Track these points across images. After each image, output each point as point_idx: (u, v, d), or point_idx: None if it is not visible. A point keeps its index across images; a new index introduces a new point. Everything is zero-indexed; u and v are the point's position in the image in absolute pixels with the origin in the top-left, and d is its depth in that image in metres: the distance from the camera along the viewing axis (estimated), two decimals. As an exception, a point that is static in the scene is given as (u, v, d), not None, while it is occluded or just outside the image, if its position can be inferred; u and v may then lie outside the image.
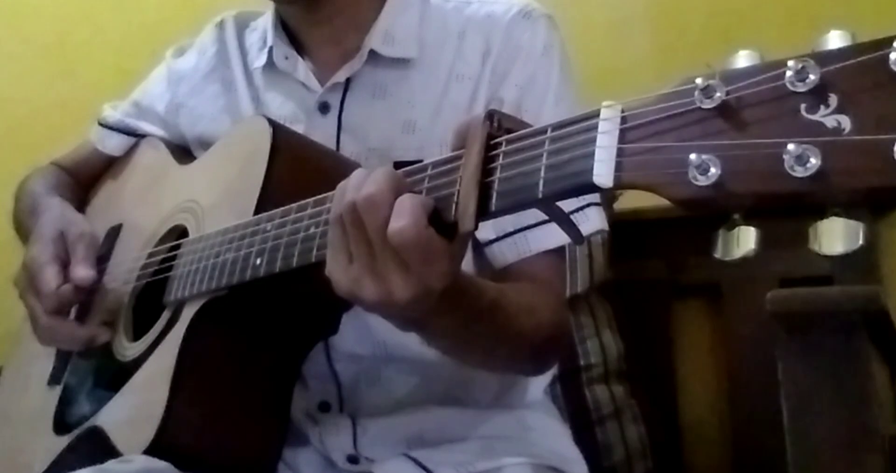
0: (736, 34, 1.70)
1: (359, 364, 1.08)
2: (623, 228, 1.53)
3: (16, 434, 1.21)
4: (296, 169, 1.00)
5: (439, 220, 0.72)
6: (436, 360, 0.99)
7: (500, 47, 1.11)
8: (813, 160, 0.52)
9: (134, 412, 1.00)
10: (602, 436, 1.55)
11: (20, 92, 2.14)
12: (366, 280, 0.74)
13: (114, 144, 1.34)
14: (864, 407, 1.05)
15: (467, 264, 0.99)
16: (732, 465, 1.62)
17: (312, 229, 0.85)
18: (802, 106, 0.54)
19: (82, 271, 1.12)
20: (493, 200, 0.69)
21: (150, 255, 1.13)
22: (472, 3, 1.15)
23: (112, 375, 1.08)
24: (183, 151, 1.26)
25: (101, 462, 0.96)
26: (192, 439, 0.95)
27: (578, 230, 0.73)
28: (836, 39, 0.54)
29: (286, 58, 1.17)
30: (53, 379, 1.20)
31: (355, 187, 0.75)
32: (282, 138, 1.01)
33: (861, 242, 0.53)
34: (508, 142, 0.70)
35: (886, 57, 0.51)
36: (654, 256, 1.70)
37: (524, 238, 1.05)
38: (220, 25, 1.29)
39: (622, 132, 0.62)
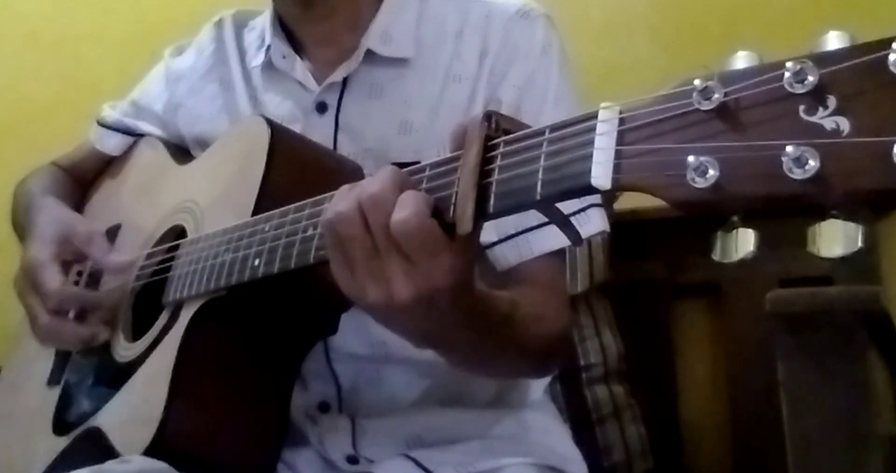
0: (734, 35, 1.70)
1: (358, 364, 1.08)
2: (623, 228, 1.52)
3: (15, 435, 1.21)
4: (294, 169, 1.00)
5: (440, 220, 0.72)
6: (435, 360, 0.98)
7: (497, 47, 1.11)
8: (812, 162, 0.52)
9: (133, 412, 1.00)
10: (602, 436, 1.55)
11: (20, 92, 2.14)
12: (369, 285, 0.74)
13: (112, 144, 1.34)
14: (863, 407, 1.05)
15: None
16: (732, 465, 1.62)
17: (311, 230, 0.85)
18: (801, 108, 0.53)
19: (117, 258, 1.13)
20: (491, 201, 0.69)
21: (149, 255, 1.13)
22: (469, 3, 1.15)
23: (111, 375, 1.07)
24: (181, 151, 1.26)
25: (100, 462, 0.95)
26: (190, 440, 0.95)
27: (577, 232, 0.73)
28: (834, 40, 0.54)
29: (284, 57, 1.17)
30: (53, 380, 1.20)
31: (358, 191, 0.74)
32: (280, 138, 1.01)
33: (860, 244, 0.53)
34: (506, 143, 0.69)
35: (885, 58, 0.51)
36: (654, 256, 1.70)
37: (526, 240, 1.05)
38: (219, 25, 1.29)
39: (620, 134, 0.61)
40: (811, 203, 0.53)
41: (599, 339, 1.60)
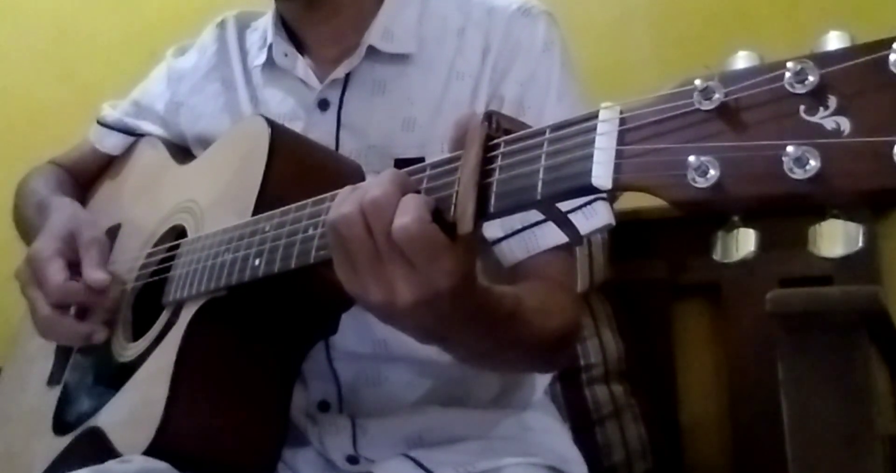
0: (735, 35, 1.69)
1: (359, 364, 1.08)
2: (623, 228, 1.52)
3: (15, 434, 1.21)
4: (294, 169, 1.00)
5: (441, 220, 0.72)
6: (436, 360, 0.99)
7: (499, 45, 1.11)
8: (812, 162, 0.52)
9: (133, 412, 1.00)
10: (602, 436, 1.55)
11: (20, 92, 2.14)
12: (371, 286, 0.74)
13: (113, 144, 1.34)
14: (863, 407, 1.05)
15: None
16: (732, 465, 1.62)
17: (311, 230, 0.85)
18: (802, 108, 0.53)
19: (99, 274, 1.11)
20: (492, 201, 0.69)
21: (149, 255, 1.13)
22: (472, 1, 1.15)
23: (111, 375, 1.07)
24: (182, 151, 1.26)
25: (101, 462, 0.96)
26: (191, 439, 0.95)
27: (577, 231, 0.73)
28: (835, 40, 0.54)
29: (285, 55, 1.17)
30: (53, 379, 1.20)
31: (359, 194, 0.74)
32: (280, 138, 1.01)
33: (861, 244, 0.53)
34: (507, 143, 0.69)
35: (886, 58, 0.51)
36: (654, 256, 1.70)
37: (532, 235, 1.05)
38: (221, 25, 1.29)
39: (621, 134, 0.61)
40: (812, 203, 0.53)
41: (599, 339, 1.60)
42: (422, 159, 0.78)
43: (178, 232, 1.11)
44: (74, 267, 1.13)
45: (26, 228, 1.30)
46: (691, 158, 0.56)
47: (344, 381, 1.08)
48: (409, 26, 1.14)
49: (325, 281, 0.79)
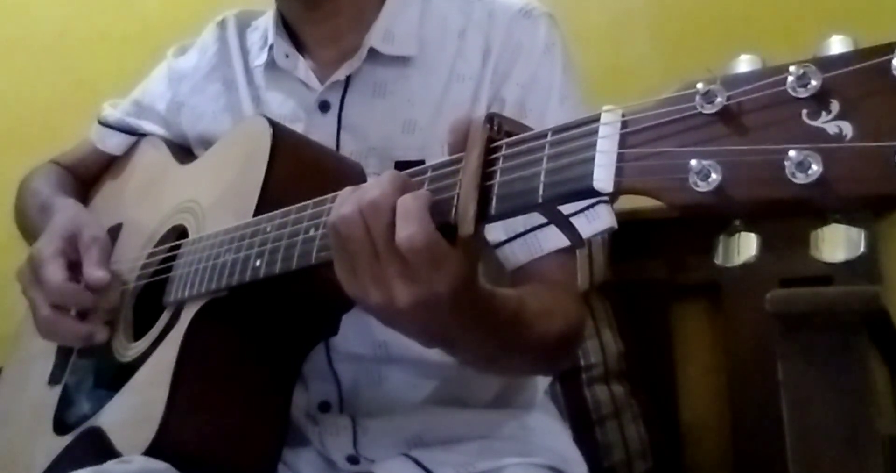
0: (737, 38, 1.69)
1: (359, 364, 1.08)
2: (623, 228, 1.51)
3: (16, 434, 1.21)
4: (296, 169, 1.00)
5: (441, 221, 0.72)
6: (436, 360, 0.99)
7: (500, 47, 1.11)
8: (814, 167, 0.52)
9: (134, 412, 1.00)
10: (602, 436, 1.55)
11: (20, 92, 2.13)
12: (370, 288, 0.74)
13: (114, 144, 1.34)
14: (863, 407, 1.05)
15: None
16: (732, 465, 1.62)
17: (312, 231, 0.85)
18: (804, 112, 0.53)
19: (99, 273, 1.11)
20: (493, 204, 0.69)
21: (150, 255, 1.13)
22: (472, 3, 1.15)
23: (112, 375, 1.07)
24: (183, 151, 1.26)
25: (101, 462, 0.96)
26: (191, 440, 0.95)
27: (579, 234, 0.73)
28: (837, 45, 0.54)
29: (286, 56, 1.17)
30: (53, 379, 1.20)
31: (359, 195, 0.75)
32: (282, 139, 1.00)
33: (862, 249, 0.53)
34: (508, 146, 0.69)
35: (888, 63, 0.51)
36: (654, 256, 1.71)
37: (535, 238, 1.05)
38: (222, 24, 1.29)
39: (623, 137, 0.61)
40: (813, 208, 0.53)
41: (599, 339, 1.60)
42: (422, 162, 0.78)
43: (180, 232, 1.11)
44: (76, 267, 1.13)
45: (29, 228, 1.30)
46: (693, 162, 0.56)
47: (344, 382, 1.08)
48: (410, 28, 1.14)
49: (325, 282, 0.79)
